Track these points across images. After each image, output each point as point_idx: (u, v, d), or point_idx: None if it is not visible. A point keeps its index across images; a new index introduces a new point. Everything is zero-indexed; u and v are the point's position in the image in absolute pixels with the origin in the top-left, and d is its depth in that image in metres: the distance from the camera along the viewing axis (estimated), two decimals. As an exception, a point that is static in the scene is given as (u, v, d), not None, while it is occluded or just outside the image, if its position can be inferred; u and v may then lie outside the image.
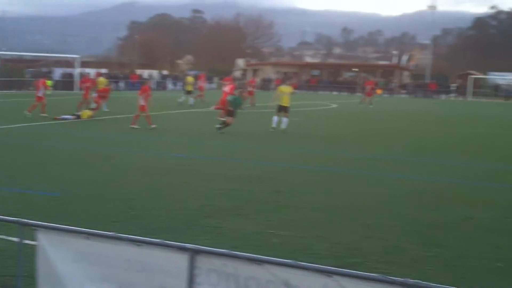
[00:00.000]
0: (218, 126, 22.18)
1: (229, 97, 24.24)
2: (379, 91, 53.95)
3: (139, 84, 64.25)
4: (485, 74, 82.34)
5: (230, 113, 22.47)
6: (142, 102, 23.48)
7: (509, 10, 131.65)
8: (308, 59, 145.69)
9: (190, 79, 42.31)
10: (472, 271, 7.09)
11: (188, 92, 39.92)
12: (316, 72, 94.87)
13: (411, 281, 3.78)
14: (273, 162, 15.74)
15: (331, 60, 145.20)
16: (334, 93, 76.63)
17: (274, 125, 23.60)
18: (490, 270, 7.15)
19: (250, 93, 39.57)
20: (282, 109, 23.74)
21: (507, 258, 7.60)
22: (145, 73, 77.17)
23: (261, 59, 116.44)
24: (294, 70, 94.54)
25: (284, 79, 35.09)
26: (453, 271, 7.06)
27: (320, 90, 78.62)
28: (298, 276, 4.04)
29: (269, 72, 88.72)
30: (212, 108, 25.37)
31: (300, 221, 9.28)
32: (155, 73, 78.91)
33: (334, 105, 46.60)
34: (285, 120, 23.54)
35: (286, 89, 24.49)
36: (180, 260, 4.35)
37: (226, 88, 29.37)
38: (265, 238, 8.19)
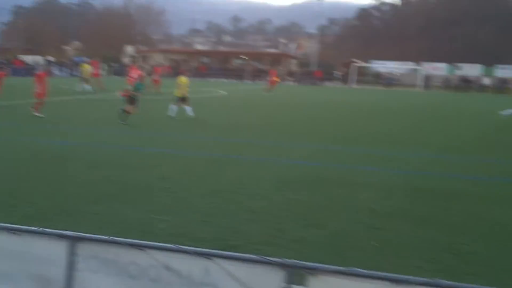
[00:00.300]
0: (121, 120, 21.53)
1: (134, 84, 23.91)
2: (276, 79, 55.50)
3: (23, 70, 61.86)
4: (367, 62, 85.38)
5: (131, 101, 21.95)
6: (38, 89, 22.77)
7: (391, 1, 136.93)
8: (198, 47, 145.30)
9: (86, 66, 41.57)
10: (348, 250, 7.42)
11: (85, 80, 39.50)
12: (206, 60, 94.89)
13: (288, 260, 3.93)
14: (162, 148, 15.70)
15: (221, 48, 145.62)
16: (224, 80, 77.03)
17: (173, 114, 23.73)
18: (366, 249, 7.51)
19: (156, 81, 39.47)
20: (183, 100, 24.14)
21: (382, 238, 8.00)
22: (30, 59, 74.38)
23: (151, 46, 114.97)
24: (184, 57, 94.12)
25: (176, 68, 35.20)
26: (331, 250, 7.37)
27: (209, 77, 78.81)
28: (179, 260, 4.10)
29: (159, 59, 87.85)
30: (119, 94, 24.88)
31: (185, 206, 9.34)
32: (40, 59, 76.18)
33: (224, 92, 46.88)
34: (188, 108, 23.86)
35: (185, 80, 24.84)
36: (60, 248, 4.30)
37: (133, 74, 29.10)
38: (149, 223, 8.20)
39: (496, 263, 7.14)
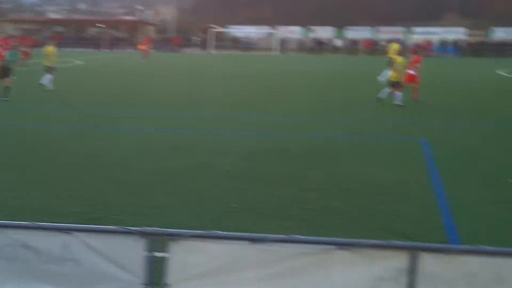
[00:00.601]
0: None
1: (6, 54, 22.48)
2: (143, 47, 54.87)
3: None
4: (225, 27, 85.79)
5: (5, 73, 20.47)
6: None
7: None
8: (52, 15, 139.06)
9: None
10: (211, 213, 7.58)
11: None
12: (60, 29, 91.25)
13: (149, 229, 3.99)
14: (18, 123, 15.14)
15: (75, 16, 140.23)
16: (80, 49, 74.64)
17: (45, 82, 23.29)
18: (227, 211, 7.70)
19: (26, 53, 37.53)
20: (52, 69, 23.71)
21: (241, 199, 8.23)
22: None
23: (0, 16, 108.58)
24: (37, 26, 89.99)
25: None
26: (194, 215, 7.49)
27: (64, 46, 75.87)
28: (37, 237, 4.03)
29: (9, 29, 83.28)
30: None
31: (42, 181, 9.10)
32: None
33: (81, 62, 45.44)
34: (49, 77, 23.38)
35: (53, 49, 24.26)
36: None
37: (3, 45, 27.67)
38: (5, 201, 7.92)
39: (347, 215, 7.59)
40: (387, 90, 20.13)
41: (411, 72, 20.49)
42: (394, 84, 19.82)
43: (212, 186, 8.94)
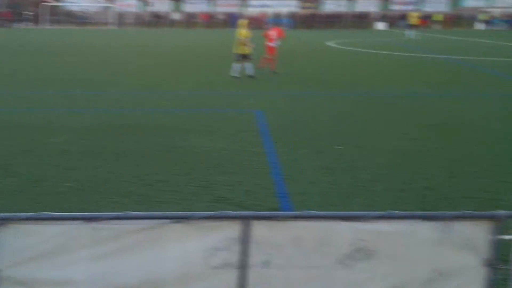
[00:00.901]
0: None
1: None
2: None
3: None
4: (59, 1, 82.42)
5: None
6: None
7: None
8: None
9: None
10: (45, 195, 7.38)
11: None
12: None
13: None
14: None
15: None
16: None
17: None
18: (61, 191, 7.53)
19: None
20: None
21: (76, 178, 8.08)
22: None
23: None
24: None
25: None
26: (27, 198, 7.25)
27: None
28: None
29: None
30: None
31: None
32: None
33: None
34: None
35: None
36: None
37: None
38: None
39: (184, 189, 7.70)
40: (247, 64, 20.19)
41: (272, 44, 21.32)
42: (244, 57, 20.13)
43: (47, 166, 8.69)
